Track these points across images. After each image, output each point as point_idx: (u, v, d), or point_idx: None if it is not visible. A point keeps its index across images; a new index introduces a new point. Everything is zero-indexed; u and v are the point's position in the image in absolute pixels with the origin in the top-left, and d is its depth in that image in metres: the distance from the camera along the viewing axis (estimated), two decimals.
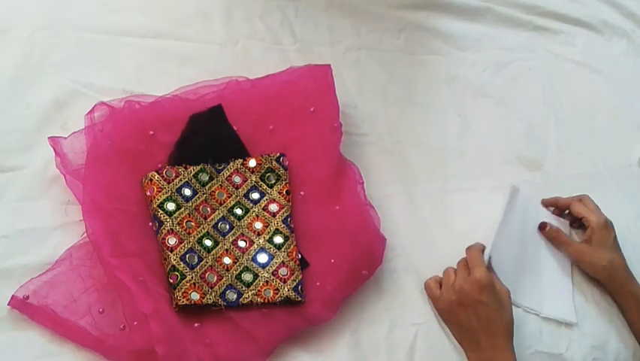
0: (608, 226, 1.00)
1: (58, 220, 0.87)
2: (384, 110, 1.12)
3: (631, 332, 1.02)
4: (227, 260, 0.89)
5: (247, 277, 0.89)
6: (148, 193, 0.89)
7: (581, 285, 1.05)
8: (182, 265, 0.85)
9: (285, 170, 0.96)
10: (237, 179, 0.95)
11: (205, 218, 0.91)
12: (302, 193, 0.96)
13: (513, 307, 0.93)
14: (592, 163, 1.20)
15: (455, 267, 0.96)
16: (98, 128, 0.90)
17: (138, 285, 0.81)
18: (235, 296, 0.87)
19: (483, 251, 0.95)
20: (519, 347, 0.95)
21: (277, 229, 0.93)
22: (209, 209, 0.92)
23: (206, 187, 0.93)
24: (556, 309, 0.99)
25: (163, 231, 0.87)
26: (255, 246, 0.91)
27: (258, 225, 0.93)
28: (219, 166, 0.95)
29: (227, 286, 0.87)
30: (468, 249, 0.96)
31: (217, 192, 0.93)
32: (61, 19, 1.01)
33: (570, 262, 1.04)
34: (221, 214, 0.92)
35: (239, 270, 0.89)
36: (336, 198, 0.96)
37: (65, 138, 0.89)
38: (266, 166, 0.96)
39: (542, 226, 1.02)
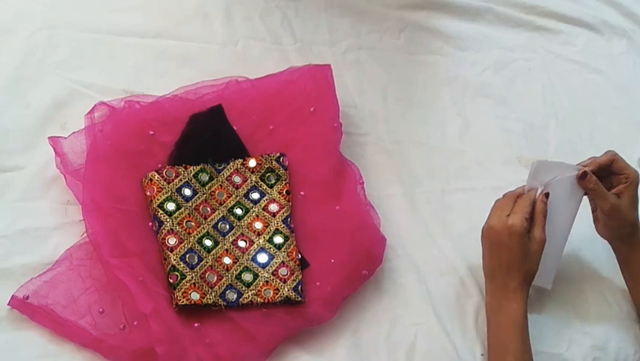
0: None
1: (58, 220, 0.87)
2: (384, 110, 1.12)
3: (631, 331, 1.02)
4: (227, 260, 0.89)
5: (247, 277, 0.89)
6: (148, 193, 0.89)
7: (582, 284, 1.05)
8: (182, 265, 0.85)
9: (285, 170, 0.96)
10: (237, 179, 0.95)
11: (205, 218, 0.91)
12: (302, 193, 0.96)
13: None
14: None
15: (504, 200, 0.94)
16: (98, 128, 0.90)
17: (138, 285, 0.81)
18: (235, 296, 0.87)
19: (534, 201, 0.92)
20: None
21: (277, 229, 0.93)
22: (209, 209, 0.92)
23: (206, 187, 0.93)
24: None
25: (163, 231, 0.87)
26: (255, 246, 0.91)
27: (258, 225, 0.93)
28: (219, 166, 0.95)
29: (227, 286, 0.87)
30: (524, 194, 0.94)
31: (217, 192, 0.93)
32: (61, 19, 1.01)
33: (569, 232, 0.99)
34: (221, 214, 0.92)
35: (239, 270, 0.89)
36: (336, 198, 0.96)
37: (65, 138, 0.89)
38: (266, 166, 0.96)
39: (583, 175, 0.94)
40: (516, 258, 0.89)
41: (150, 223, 0.88)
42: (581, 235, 0.99)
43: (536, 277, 0.92)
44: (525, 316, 0.88)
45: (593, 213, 0.99)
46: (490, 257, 0.91)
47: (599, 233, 1.00)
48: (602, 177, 0.95)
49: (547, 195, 0.92)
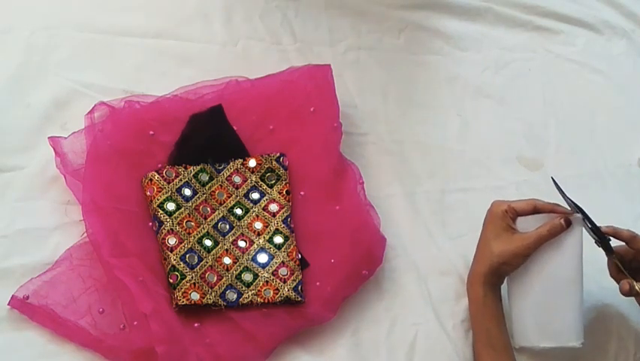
0: None
1: (58, 220, 0.87)
2: (384, 110, 1.12)
3: (631, 331, 1.02)
4: (227, 260, 0.89)
5: (247, 277, 0.89)
6: (148, 193, 0.89)
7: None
8: (182, 265, 0.85)
9: (285, 170, 0.96)
10: (237, 179, 0.95)
11: (205, 218, 0.91)
12: (302, 193, 0.96)
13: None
14: (592, 163, 1.20)
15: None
16: (98, 128, 0.90)
17: (138, 285, 0.81)
18: (235, 296, 0.87)
19: (535, 208, 0.91)
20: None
21: (277, 229, 0.93)
22: (209, 209, 0.92)
23: (206, 187, 0.93)
24: (560, 337, 0.92)
25: (163, 231, 0.87)
26: (255, 246, 0.91)
27: (258, 225, 0.93)
28: (219, 166, 0.95)
29: (227, 286, 0.87)
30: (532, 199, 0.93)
31: (217, 192, 0.93)
32: (61, 19, 1.01)
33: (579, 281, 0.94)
34: (221, 214, 0.92)
35: (239, 270, 0.89)
36: (336, 198, 0.96)
37: (65, 138, 0.89)
38: (266, 166, 0.96)
39: (625, 291, 0.90)
40: (486, 236, 0.91)
41: (150, 223, 0.88)
42: None
43: (557, 334, 0.90)
44: (484, 301, 0.90)
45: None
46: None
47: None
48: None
49: (568, 220, 0.89)
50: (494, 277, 0.91)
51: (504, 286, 0.94)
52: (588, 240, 0.94)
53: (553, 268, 0.91)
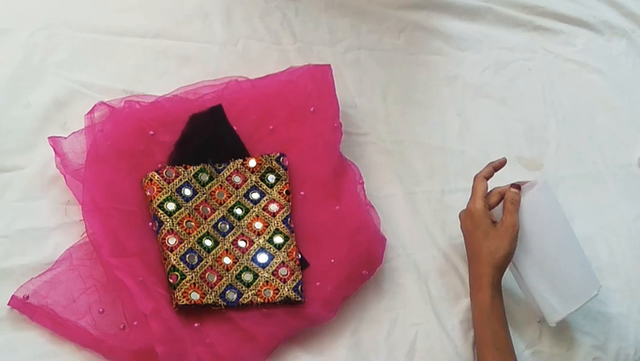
0: None
1: (58, 220, 0.87)
2: (384, 110, 1.12)
3: (631, 331, 1.02)
4: (227, 260, 0.89)
5: (247, 277, 0.89)
6: (148, 193, 0.89)
7: None
8: (182, 265, 0.85)
9: (285, 170, 0.96)
10: (237, 179, 0.95)
11: (205, 218, 0.91)
12: (302, 193, 0.96)
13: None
14: (592, 163, 1.20)
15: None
16: (98, 128, 0.90)
17: (138, 285, 0.81)
18: (235, 296, 0.87)
19: (488, 178, 0.95)
20: (519, 348, 0.95)
21: (277, 229, 0.93)
22: (209, 209, 0.92)
23: (206, 187, 0.93)
24: (581, 295, 0.95)
25: (163, 231, 0.87)
26: (255, 246, 0.91)
27: (258, 225, 0.93)
28: (219, 166, 0.95)
29: (227, 286, 0.87)
30: (475, 177, 0.96)
31: (217, 192, 0.93)
32: (61, 19, 1.01)
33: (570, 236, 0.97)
34: (221, 214, 0.92)
35: (239, 270, 0.89)
36: (336, 198, 0.96)
37: (65, 138, 0.89)
38: (266, 166, 0.96)
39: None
40: (478, 240, 0.92)
41: (150, 223, 0.88)
42: (581, 235, 1.00)
43: (578, 294, 0.93)
44: (492, 302, 0.90)
45: None
46: (466, 247, 0.95)
47: None
48: None
49: (515, 185, 0.94)
50: (499, 274, 0.92)
51: (511, 281, 0.94)
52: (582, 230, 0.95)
53: (543, 238, 0.93)
